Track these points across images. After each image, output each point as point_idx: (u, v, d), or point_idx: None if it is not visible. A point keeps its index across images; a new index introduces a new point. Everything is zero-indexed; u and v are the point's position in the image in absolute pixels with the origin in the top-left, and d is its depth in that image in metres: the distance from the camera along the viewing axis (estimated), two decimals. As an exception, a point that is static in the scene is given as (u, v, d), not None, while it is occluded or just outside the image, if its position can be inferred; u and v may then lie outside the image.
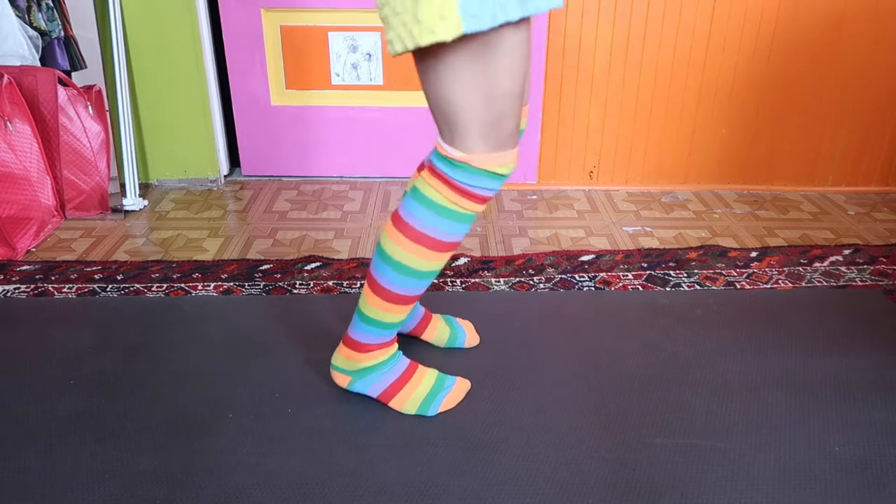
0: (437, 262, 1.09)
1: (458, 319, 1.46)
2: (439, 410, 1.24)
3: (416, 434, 1.19)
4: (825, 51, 2.16)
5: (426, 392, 1.23)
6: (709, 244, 1.94)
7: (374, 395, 1.24)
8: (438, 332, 1.42)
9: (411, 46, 0.89)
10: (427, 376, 1.25)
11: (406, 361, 1.25)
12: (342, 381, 1.25)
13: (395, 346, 1.24)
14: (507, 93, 0.95)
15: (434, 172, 1.04)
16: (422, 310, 1.41)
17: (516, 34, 0.92)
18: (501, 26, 0.90)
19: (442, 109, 0.98)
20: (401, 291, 1.12)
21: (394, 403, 1.23)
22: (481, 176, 1.01)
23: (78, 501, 1.05)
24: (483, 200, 1.05)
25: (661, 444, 1.17)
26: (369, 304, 1.15)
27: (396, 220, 1.09)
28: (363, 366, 1.22)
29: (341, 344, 1.24)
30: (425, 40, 0.88)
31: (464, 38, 0.90)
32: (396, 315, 1.16)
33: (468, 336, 1.43)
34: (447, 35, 0.87)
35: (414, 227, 1.06)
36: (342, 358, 1.24)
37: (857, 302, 1.62)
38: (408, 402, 1.23)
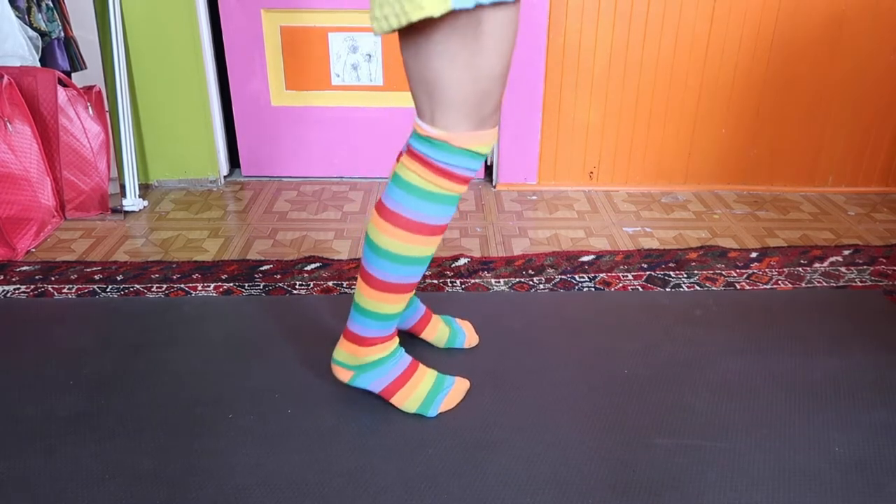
0: (427, 246, 1.09)
1: (458, 320, 1.46)
2: (439, 410, 1.23)
3: (416, 434, 1.19)
4: (825, 51, 2.16)
5: (427, 391, 1.23)
6: (709, 245, 1.94)
7: (376, 391, 1.24)
8: (438, 332, 1.42)
9: (405, 22, 0.90)
10: (427, 376, 1.25)
11: (408, 358, 1.25)
12: (344, 375, 1.25)
13: (397, 341, 1.24)
14: (492, 71, 0.96)
15: (413, 155, 1.04)
16: (422, 307, 1.41)
17: (504, 13, 0.93)
18: (489, 4, 0.91)
19: (426, 87, 0.98)
20: (395, 280, 1.12)
21: (395, 400, 1.23)
22: (461, 155, 1.01)
23: (78, 501, 1.05)
24: (464, 181, 1.05)
25: (661, 444, 1.17)
26: (365, 296, 1.15)
27: (381, 208, 1.09)
28: (366, 360, 1.21)
29: (342, 338, 1.23)
30: (416, 15, 0.89)
31: (452, 15, 0.91)
32: (394, 305, 1.15)
33: (468, 336, 1.43)
34: (435, 10, 0.88)
35: (399, 214, 1.06)
36: (344, 352, 1.23)
37: (857, 302, 1.61)
38: (409, 399, 1.23)
